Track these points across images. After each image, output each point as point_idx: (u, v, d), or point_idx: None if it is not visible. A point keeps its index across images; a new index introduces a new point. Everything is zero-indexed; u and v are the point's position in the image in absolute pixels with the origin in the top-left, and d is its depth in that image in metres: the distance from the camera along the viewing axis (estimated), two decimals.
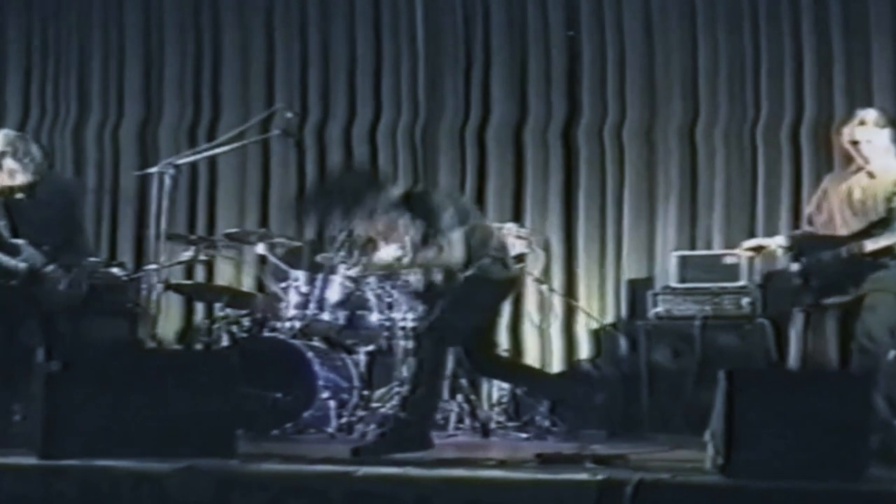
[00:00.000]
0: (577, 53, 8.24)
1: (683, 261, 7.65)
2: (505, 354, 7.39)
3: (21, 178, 5.95)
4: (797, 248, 5.90)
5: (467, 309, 5.69)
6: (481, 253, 5.68)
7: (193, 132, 8.68)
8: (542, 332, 7.97)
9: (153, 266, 6.65)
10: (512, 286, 6.07)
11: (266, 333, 7.13)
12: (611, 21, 8.18)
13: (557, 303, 7.96)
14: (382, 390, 7.01)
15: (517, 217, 8.04)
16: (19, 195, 5.94)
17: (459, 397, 6.99)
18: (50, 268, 5.88)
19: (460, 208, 5.75)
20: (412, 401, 5.61)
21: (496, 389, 7.28)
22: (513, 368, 6.51)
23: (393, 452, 5.38)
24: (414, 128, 8.42)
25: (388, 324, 7.03)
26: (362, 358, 7.13)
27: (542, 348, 8.01)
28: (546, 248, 7.96)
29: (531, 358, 7.97)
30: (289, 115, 6.98)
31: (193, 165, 8.19)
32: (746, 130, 7.92)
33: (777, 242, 6.10)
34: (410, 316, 6.94)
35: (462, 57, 8.39)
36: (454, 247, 5.62)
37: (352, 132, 8.50)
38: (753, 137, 7.91)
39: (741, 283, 7.44)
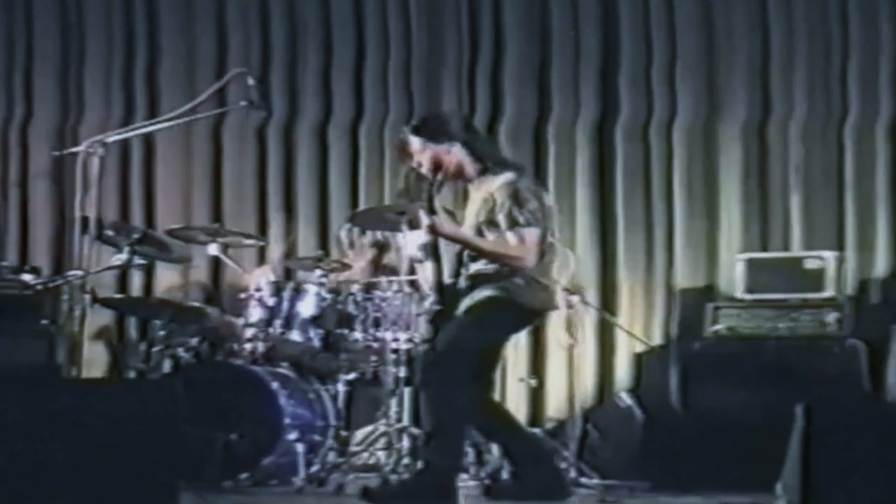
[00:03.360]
0: (613, 36, 8.31)
1: (753, 265, 7.66)
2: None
3: None
4: None
5: (480, 336, 5.93)
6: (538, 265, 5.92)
7: None
8: (571, 356, 7.98)
9: (77, 272, 6.65)
10: (536, 318, 6.35)
11: (219, 358, 7.14)
12: None
13: (591, 318, 7.97)
14: (365, 430, 7.03)
15: None
16: None
17: None
18: None
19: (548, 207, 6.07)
20: (435, 446, 5.79)
21: None
22: (498, 421, 6.58)
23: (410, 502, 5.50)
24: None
25: (375, 345, 7.03)
26: (341, 389, 7.16)
27: (571, 375, 8.01)
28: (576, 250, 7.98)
29: (557, 387, 8.02)
30: (251, 81, 7.01)
31: (126, 147, 8.21)
32: (832, 126, 8.02)
33: None
34: (404, 336, 6.94)
35: (466, 38, 8.46)
36: (528, 245, 5.87)
37: (328, 127, 8.59)
38: (840, 133, 8.00)
39: (827, 293, 7.43)
